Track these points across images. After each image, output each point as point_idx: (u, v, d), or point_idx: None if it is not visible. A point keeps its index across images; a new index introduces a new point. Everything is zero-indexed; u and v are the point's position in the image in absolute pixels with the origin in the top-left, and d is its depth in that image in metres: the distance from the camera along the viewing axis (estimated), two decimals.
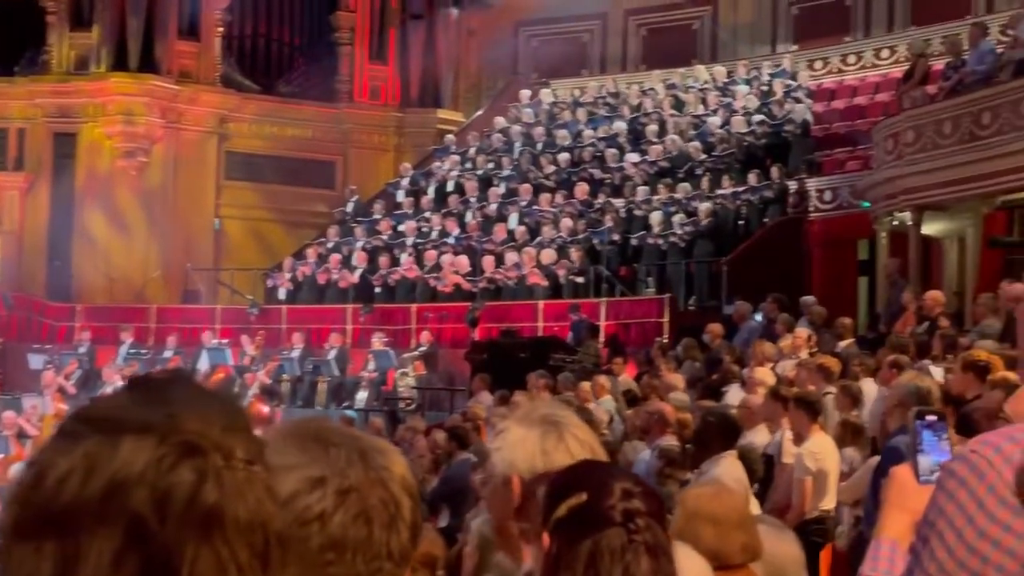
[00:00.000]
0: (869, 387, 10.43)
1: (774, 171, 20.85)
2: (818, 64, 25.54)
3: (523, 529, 2.34)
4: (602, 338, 18.94)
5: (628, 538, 2.05)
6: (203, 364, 21.24)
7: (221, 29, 28.51)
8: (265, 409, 19.25)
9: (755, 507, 7.21)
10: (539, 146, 24.76)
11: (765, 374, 11.03)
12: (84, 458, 1.12)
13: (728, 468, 7.02)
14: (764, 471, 8.69)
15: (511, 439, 2.48)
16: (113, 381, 20.07)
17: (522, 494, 2.40)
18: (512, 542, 2.37)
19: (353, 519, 1.53)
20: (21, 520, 1.13)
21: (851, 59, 25.38)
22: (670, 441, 8.69)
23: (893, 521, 2.57)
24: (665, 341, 17.03)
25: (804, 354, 12.84)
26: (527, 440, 2.47)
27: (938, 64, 19.81)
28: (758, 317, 16.40)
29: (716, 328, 16.19)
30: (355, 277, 22.72)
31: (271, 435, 1.69)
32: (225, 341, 22.49)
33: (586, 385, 13.50)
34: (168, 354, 22.20)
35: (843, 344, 13.56)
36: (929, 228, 18.14)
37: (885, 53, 24.81)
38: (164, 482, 1.12)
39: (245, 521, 1.15)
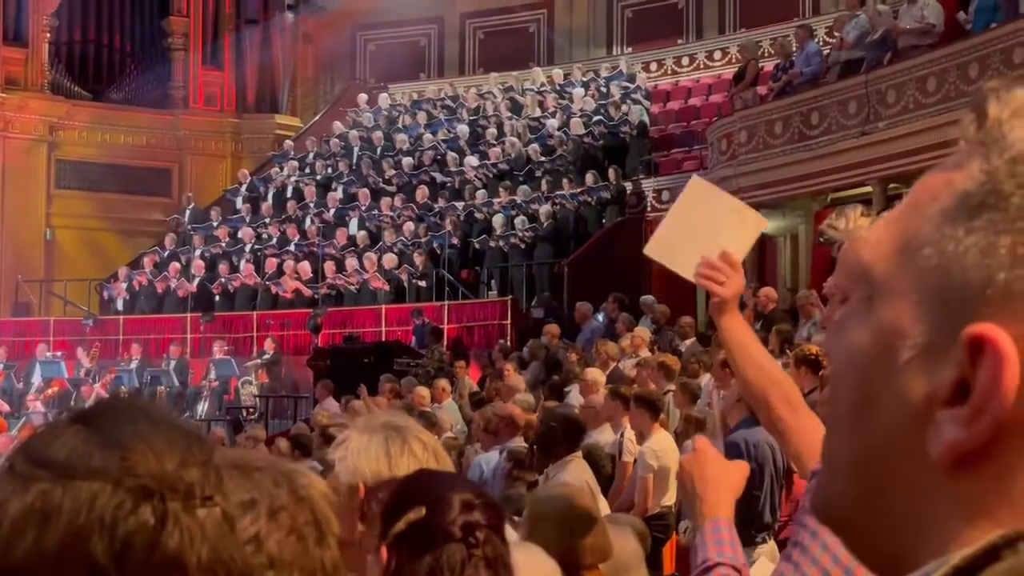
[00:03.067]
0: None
1: (611, 172, 21.07)
2: (653, 66, 25.86)
3: (366, 538, 2.32)
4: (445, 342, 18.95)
5: (468, 552, 2.05)
6: (36, 378, 20.72)
7: (49, 35, 27.81)
8: None
9: (604, 507, 7.28)
10: (378, 150, 24.66)
11: (597, 374, 11.12)
12: (38, 506, 1.06)
13: (575, 471, 7.06)
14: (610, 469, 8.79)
15: (354, 447, 2.47)
16: None
17: (366, 501, 2.39)
18: (358, 558, 2.31)
19: (286, 536, 1.53)
20: None
21: (684, 61, 25.76)
22: (519, 443, 8.72)
23: (719, 501, 2.66)
24: (507, 344, 17.12)
25: (645, 353, 13.02)
26: (371, 446, 2.46)
27: (768, 66, 20.27)
28: (600, 317, 16.57)
29: (553, 329, 16.30)
30: (194, 286, 22.36)
31: None
32: (59, 354, 21.95)
33: (423, 390, 13.42)
34: None
35: (687, 342, 13.79)
36: None
37: (717, 55, 25.26)
38: (123, 530, 1.06)
39: (207, 562, 1.10)
